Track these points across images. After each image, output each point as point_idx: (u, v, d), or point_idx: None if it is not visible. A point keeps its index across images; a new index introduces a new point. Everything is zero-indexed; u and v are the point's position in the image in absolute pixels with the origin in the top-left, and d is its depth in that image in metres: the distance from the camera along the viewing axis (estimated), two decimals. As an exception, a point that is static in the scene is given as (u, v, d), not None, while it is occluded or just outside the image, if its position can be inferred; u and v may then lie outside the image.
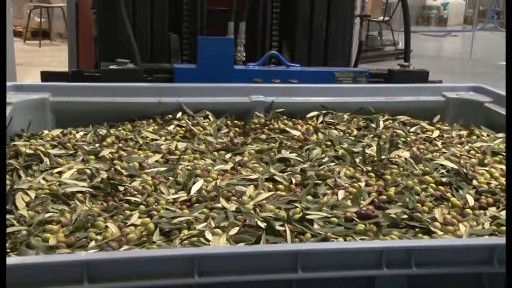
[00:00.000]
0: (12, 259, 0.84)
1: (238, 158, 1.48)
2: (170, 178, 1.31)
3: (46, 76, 2.07)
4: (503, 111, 1.81)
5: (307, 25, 2.36)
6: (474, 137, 1.73)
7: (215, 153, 1.54)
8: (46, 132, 1.65)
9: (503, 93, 1.89)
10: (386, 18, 10.72)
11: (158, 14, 2.27)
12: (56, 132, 1.65)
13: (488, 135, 1.73)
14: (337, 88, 2.00)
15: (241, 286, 0.86)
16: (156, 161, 1.45)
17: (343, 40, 2.40)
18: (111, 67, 2.02)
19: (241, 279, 0.85)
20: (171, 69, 2.12)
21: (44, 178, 1.29)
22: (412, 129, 1.79)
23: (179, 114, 1.76)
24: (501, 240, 0.92)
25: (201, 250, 0.91)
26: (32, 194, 1.20)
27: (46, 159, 1.40)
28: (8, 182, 1.26)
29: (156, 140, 1.61)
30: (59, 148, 1.51)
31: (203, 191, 1.23)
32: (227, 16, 2.27)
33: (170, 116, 1.76)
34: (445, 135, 1.75)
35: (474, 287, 0.90)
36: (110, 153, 1.46)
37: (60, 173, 1.33)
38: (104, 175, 1.30)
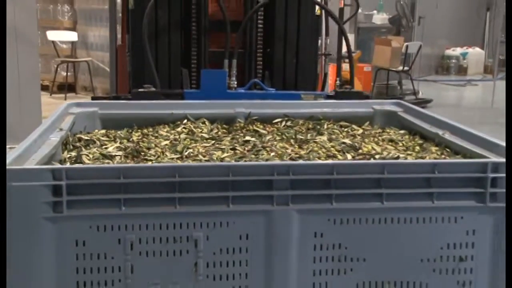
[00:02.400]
0: (82, 166, 1.68)
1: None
2: (173, 149, 2.15)
3: (95, 99, 2.96)
4: (409, 117, 2.60)
5: (281, 60, 3.24)
6: (385, 133, 2.52)
7: (205, 141, 2.37)
8: (96, 131, 2.51)
9: (413, 106, 2.70)
10: (406, 68, 10.98)
11: (174, 55, 3.17)
12: (102, 131, 2.51)
13: (394, 132, 2.53)
14: (297, 103, 2.82)
15: (201, 184, 1.67)
16: (166, 144, 2.29)
17: (309, 72, 3.26)
18: (139, 90, 2.90)
19: (202, 180, 1.67)
20: (181, 93, 2.99)
21: (96, 150, 2.14)
22: (345, 129, 2.60)
23: (185, 121, 2.61)
24: (341, 162, 1.71)
25: (180, 164, 1.75)
26: (91, 155, 2.04)
27: (97, 142, 2.25)
28: (75, 153, 2.11)
29: (168, 136, 2.46)
30: (105, 137, 2.36)
31: (191, 154, 2.07)
32: (223, 55, 3.15)
33: (179, 122, 2.60)
34: (366, 133, 2.55)
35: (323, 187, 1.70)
36: (136, 139, 2.31)
37: (106, 148, 2.18)
38: (132, 148, 2.14)
